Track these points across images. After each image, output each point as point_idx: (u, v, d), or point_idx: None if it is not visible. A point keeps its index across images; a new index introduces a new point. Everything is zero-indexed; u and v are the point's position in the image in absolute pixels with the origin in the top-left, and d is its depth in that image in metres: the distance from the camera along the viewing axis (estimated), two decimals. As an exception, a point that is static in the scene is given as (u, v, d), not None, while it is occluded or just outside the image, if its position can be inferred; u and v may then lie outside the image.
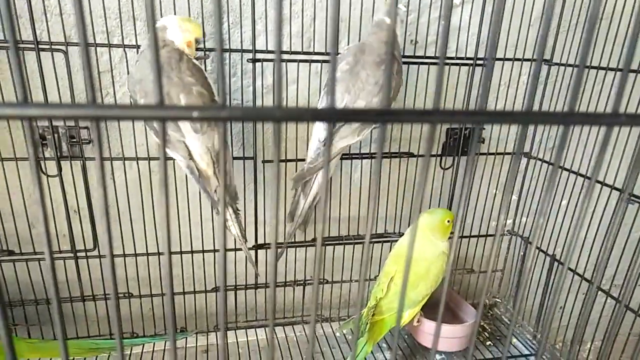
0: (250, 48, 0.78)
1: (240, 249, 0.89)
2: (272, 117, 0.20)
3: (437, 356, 0.89)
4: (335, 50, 0.21)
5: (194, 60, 0.66)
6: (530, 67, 0.93)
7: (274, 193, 0.22)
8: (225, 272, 0.22)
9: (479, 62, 0.88)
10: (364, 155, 0.91)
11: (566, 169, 0.89)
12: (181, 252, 0.88)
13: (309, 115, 0.20)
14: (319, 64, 0.83)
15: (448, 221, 0.82)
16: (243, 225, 0.75)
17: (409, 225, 0.97)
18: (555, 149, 0.99)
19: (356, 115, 0.20)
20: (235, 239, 0.75)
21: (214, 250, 0.90)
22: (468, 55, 0.88)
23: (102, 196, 0.20)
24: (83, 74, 0.75)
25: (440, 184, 0.98)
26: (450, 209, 0.98)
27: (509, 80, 0.93)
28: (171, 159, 0.81)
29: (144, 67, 0.64)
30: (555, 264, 0.92)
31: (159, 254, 0.87)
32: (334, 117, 0.22)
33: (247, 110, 0.20)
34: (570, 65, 0.87)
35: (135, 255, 0.86)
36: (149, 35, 0.64)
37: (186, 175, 0.83)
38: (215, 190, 0.69)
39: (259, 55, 0.78)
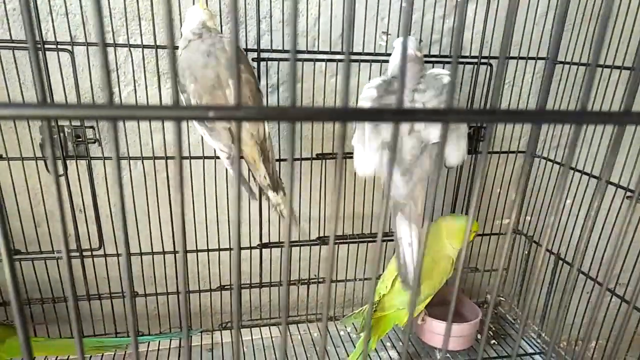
0: (255, 47, 0.78)
1: (246, 248, 0.89)
2: (287, 116, 0.20)
3: (442, 354, 0.89)
4: (349, 49, 0.21)
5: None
6: (535, 66, 0.92)
7: (288, 192, 0.22)
8: (240, 271, 0.22)
9: (483, 60, 0.88)
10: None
11: (571, 168, 0.89)
12: (185, 251, 0.88)
13: (324, 114, 0.20)
14: (323, 63, 0.83)
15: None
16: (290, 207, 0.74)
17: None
18: (560, 147, 0.99)
19: (371, 115, 0.21)
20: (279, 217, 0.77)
21: (219, 249, 0.90)
22: (472, 54, 0.88)
23: (119, 194, 0.20)
24: (89, 73, 0.75)
25: (443, 183, 0.98)
26: (454, 209, 0.98)
27: (513, 79, 0.93)
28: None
29: (193, 53, 0.63)
30: (560, 262, 0.92)
31: (163, 252, 0.88)
32: (348, 116, 0.22)
33: (262, 109, 0.20)
34: (574, 64, 0.87)
35: (141, 254, 0.86)
36: (192, 24, 0.63)
37: (191, 175, 0.83)
38: (265, 177, 0.68)
39: (263, 55, 0.79)
